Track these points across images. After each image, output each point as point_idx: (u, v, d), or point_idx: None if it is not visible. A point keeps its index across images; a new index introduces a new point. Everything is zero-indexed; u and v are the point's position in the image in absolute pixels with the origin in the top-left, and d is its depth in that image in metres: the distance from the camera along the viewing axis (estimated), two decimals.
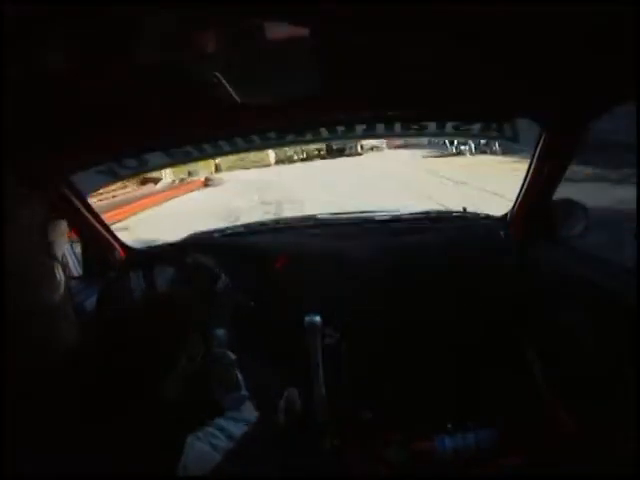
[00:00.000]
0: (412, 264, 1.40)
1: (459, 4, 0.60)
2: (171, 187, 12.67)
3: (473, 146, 10.41)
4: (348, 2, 0.60)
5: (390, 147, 14.93)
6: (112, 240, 1.55)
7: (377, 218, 1.71)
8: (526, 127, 1.14)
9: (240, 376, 0.85)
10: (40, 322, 0.63)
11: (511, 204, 1.43)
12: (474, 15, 0.64)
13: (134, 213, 8.92)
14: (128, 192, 11.04)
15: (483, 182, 7.00)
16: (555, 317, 1.21)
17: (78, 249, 1.55)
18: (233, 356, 0.88)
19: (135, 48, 0.76)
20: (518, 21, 0.67)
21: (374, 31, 0.67)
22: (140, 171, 1.42)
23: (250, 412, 0.79)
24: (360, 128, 1.27)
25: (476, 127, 1.23)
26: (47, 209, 1.13)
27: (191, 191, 12.19)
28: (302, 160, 16.27)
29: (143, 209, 9.50)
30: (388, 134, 1.32)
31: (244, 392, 0.83)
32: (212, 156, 1.41)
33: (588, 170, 4.89)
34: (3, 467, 0.46)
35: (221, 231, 1.72)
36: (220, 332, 0.93)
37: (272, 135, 1.27)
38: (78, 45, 0.72)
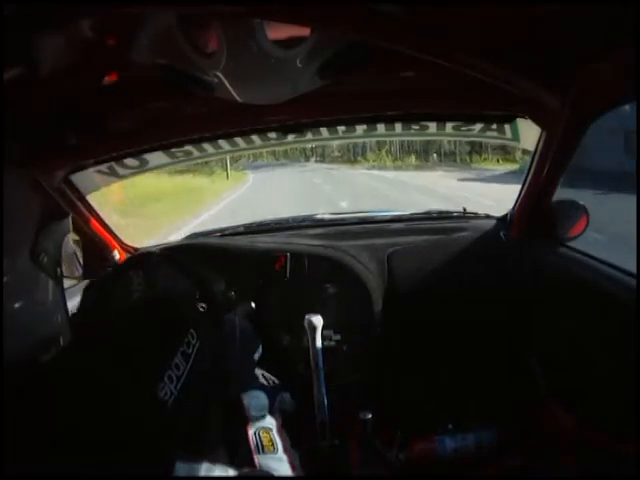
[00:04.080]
0: (412, 264, 1.40)
1: (459, 4, 0.60)
2: None
3: None
4: (349, 2, 0.61)
5: None
6: (113, 240, 1.56)
7: (377, 218, 1.71)
8: (526, 127, 1.14)
9: (278, 439, 0.85)
10: (39, 320, 0.63)
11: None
12: (475, 15, 0.64)
13: None
14: None
15: None
16: (555, 318, 1.21)
17: (78, 249, 1.55)
18: (273, 420, 0.89)
19: (136, 47, 0.76)
20: (518, 21, 0.67)
21: (374, 31, 0.67)
22: (141, 171, 1.42)
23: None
24: (361, 128, 1.27)
25: (477, 127, 1.23)
26: (47, 209, 1.14)
27: None
28: None
29: None
30: (389, 134, 1.32)
31: (280, 454, 0.82)
32: (213, 156, 1.41)
33: None
34: (3, 467, 0.46)
35: (220, 231, 1.72)
36: (261, 395, 0.94)
37: (272, 135, 1.28)
38: (78, 44, 0.72)
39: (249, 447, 0.82)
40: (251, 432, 0.85)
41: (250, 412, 0.89)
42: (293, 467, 0.79)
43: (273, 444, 0.83)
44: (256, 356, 1.12)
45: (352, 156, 38.28)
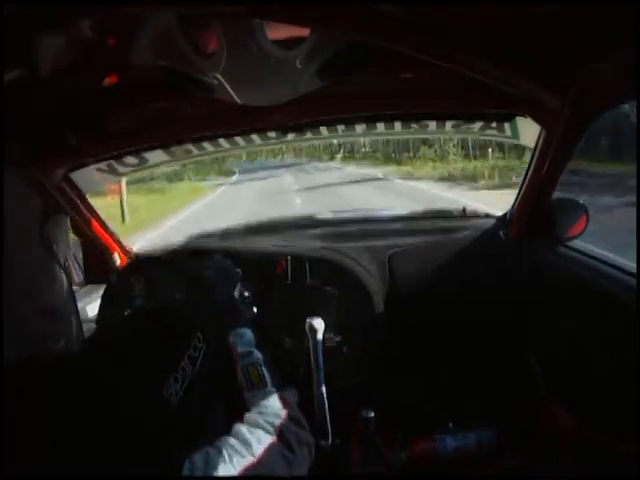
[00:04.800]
0: (412, 266, 1.40)
1: (459, 4, 0.60)
2: None
3: None
4: (349, 2, 0.61)
5: None
6: (113, 242, 1.55)
7: (377, 217, 1.72)
8: (525, 125, 1.14)
9: (267, 374, 0.83)
10: (40, 325, 0.63)
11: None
12: (475, 15, 0.64)
13: None
14: None
15: None
16: (555, 317, 1.21)
17: (79, 252, 1.55)
18: (260, 354, 0.87)
19: (136, 48, 0.76)
20: (518, 21, 0.67)
21: (374, 31, 0.67)
22: (141, 168, 1.42)
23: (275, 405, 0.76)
24: (361, 127, 1.27)
25: (476, 126, 1.24)
26: (47, 209, 1.13)
27: None
28: None
29: None
30: (389, 133, 1.33)
31: (270, 388, 0.81)
32: (213, 154, 1.42)
33: None
34: (3, 467, 0.46)
35: (221, 232, 1.72)
36: (247, 332, 0.92)
37: (272, 134, 1.28)
38: (78, 45, 0.72)
39: (239, 385, 0.81)
40: (239, 369, 0.84)
41: (237, 349, 0.87)
42: (284, 401, 0.77)
43: (262, 379, 0.81)
44: (236, 293, 1.12)
45: (394, 153, 23.57)
